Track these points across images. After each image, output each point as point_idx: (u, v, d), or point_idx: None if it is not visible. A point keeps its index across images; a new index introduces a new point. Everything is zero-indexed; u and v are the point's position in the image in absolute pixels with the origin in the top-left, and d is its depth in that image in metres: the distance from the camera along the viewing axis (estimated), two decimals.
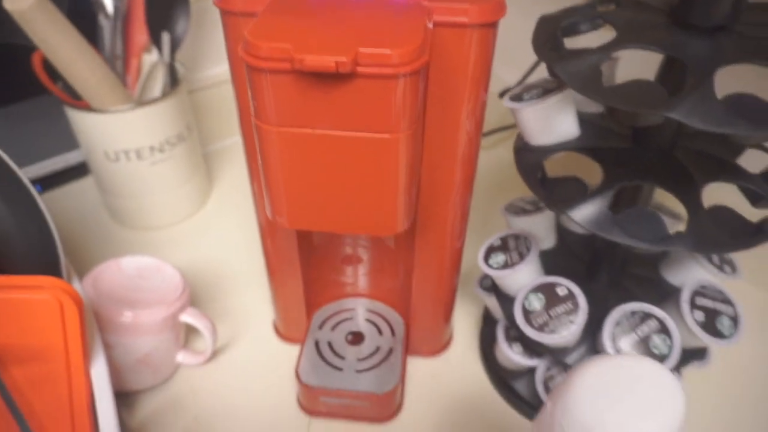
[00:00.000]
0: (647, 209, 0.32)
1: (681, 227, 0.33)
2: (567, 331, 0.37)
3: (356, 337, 0.49)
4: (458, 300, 0.56)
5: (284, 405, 0.47)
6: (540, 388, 0.43)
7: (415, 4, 0.30)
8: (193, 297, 0.56)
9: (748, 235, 0.32)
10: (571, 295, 0.38)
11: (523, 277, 0.41)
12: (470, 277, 0.58)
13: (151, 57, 0.61)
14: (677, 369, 0.39)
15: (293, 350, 0.51)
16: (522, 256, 0.41)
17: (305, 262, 0.46)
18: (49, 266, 0.40)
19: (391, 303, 0.51)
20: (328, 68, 0.24)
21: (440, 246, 0.43)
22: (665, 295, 0.41)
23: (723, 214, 0.33)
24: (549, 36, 0.32)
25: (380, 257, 0.49)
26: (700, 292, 0.38)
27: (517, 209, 0.46)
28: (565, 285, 0.39)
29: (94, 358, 0.39)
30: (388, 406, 0.45)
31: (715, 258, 0.41)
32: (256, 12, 0.30)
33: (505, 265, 0.41)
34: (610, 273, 0.43)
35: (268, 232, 0.44)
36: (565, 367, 0.43)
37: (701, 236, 0.30)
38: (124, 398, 0.48)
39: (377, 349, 0.47)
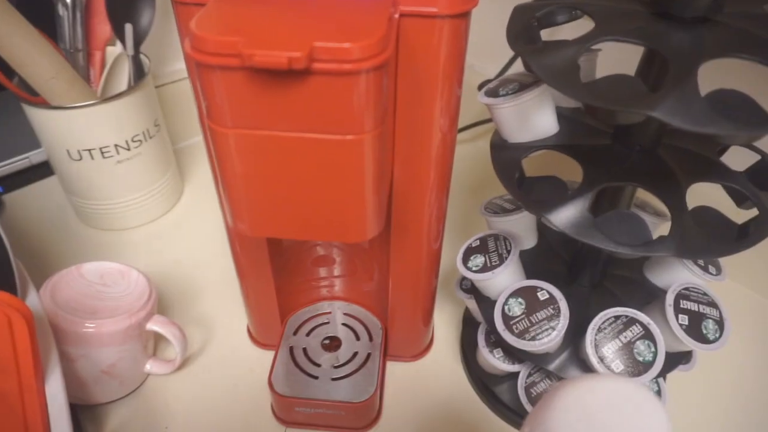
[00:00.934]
0: (629, 212, 0.31)
1: (665, 226, 0.31)
2: (548, 338, 0.35)
3: (333, 342, 0.47)
4: (438, 302, 0.54)
5: (259, 414, 0.45)
6: (522, 394, 0.42)
7: None
8: (164, 301, 0.54)
9: (733, 239, 0.30)
10: (552, 300, 0.37)
11: (503, 281, 0.39)
12: (450, 278, 0.57)
13: (114, 50, 0.58)
14: (663, 375, 0.38)
15: (268, 356, 0.49)
16: (502, 259, 0.39)
17: (276, 265, 0.44)
18: (1, 279, 0.38)
19: (369, 306, 0.49)
20: (280, 65, 0.22)
21: (417, 248, 0.41)
22: (649, 297, 0.39)
23: (708, 215, 0.31)
24: (524, 27, 0.30)
25: (354, 259, 0.47)
26: (685, 294, 0.36)
27: (496, 208, 0.44)
28: (546, 289, 0.37)
29: (48, 374, 0.36)
30: (366, 414, 0.44)
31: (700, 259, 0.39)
32: (207, 1, 0.28)
33: (485, 268, 0.39)
34: (593, 274, 0.41)
35: (236, 234, 0.42)
36: (548, 373, 0.42)
37: (685, 241, 0.29)
38: (90, 411, 0.45)
39: (354, 354, 0.45)
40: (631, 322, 0.36)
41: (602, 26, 0.27)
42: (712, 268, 0.40)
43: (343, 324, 0.48)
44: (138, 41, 0.57)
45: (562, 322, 0.36)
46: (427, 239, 0.40)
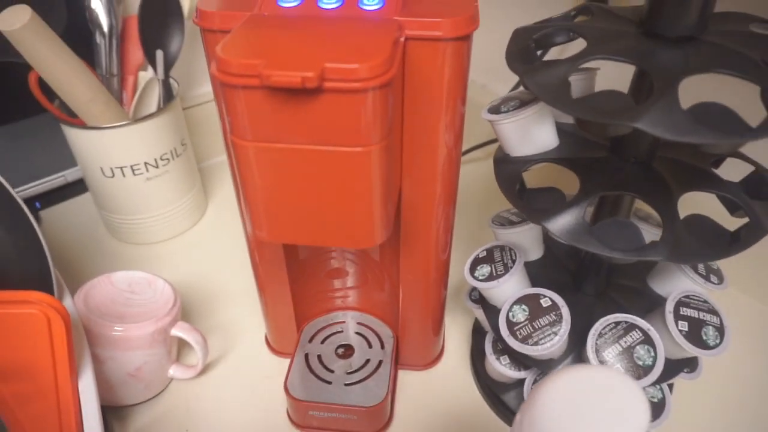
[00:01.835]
0: (624, 220, 0.32)
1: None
2: (550, 343, 0.37)
3: (346, 350, 0.49)
4: (450, 312, 0.56)
5: (275, 418, 0.47)
6: None
7: (386, 20, 0.30)
8: (187, 311, 0.57)
9: (725, 243, 0.32)
10: (554, 306, 0.38)
11: (508, 289, 0.41)
12: (461, 289, 0.58)
13: (146, 74, 0.62)
14: (665, 380, 0.39)
15: (284, 363, 0.51)
16: (507, 268, 0.41)
17: (293, 276, 0.46)
18: (41, 283, 0.41)
19: (381, 316, 0.51)
20: (294, 84, 0.25)
21: (425, 259, 0.43)
22: (652, 306, 0.41)
23: (700, 222, 0.33)
24: (522, 48, 0.32)
25: (366, 270, 0.50)
26: (685, 302, 0.38)
27: (503, 221, 0.46)
28: (548, 296, 0.39)
29: (82, 373, 0.39)
30: (378, 419, 0.45)
31: (701, 268, 0.40)
32: (232, 29, 0.31)
33: (490, 277, 0.41)
34: (597, 283, 0.42)
35: (256, 246, 0.44)
36: None
37: (676, 245, 0.30)
38: (116, 412, 0.48)
39: (367, 362, 0.47)
40: (631, 327, 0.37)
41: (593, 46, 0.30)
42: (713, 277, 0.41)
43: (356, 332, 0.50)
44: (168, 66, 0.60)
45: (564, 327, 0.37)
46: (435, 250, 0.42)
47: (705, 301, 0.38)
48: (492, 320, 0.42)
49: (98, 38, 0.59)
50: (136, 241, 0.65)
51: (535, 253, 0.46)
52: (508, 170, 0.37)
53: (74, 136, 0.57)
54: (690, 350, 0.36)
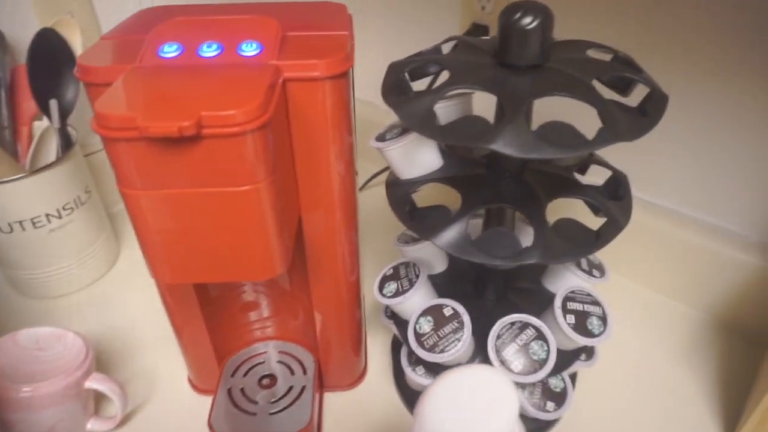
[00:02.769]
0: (503, 229, 0.36)
1: None
2: (455, 349, 0.40)
3: (271, 380, 0.49)
4: (370, 331, 0.58)
5: None
6: None
7: (263, 65, 0.32)
8: (103, 362, 0.55)
9: (590, 242, 0.36)
10: (456, 314, 0.41)
11: (414, 303, 0.43)
12: (379, 308, 0.60)
13: (41, 124, 0.61)
14: (562, 370, 0.42)
15: (209, 401, 0.51)
16: (411, 283, 0.43)
17: (207, 314, 0.46)
18: None
19: (301, 342, 0.52)
20: (172, 133, 0.26)
21: (335, 282, 0.45)
22: (546, 304, 0.44)
23: (568, 225, 0.37)
24: (396, 81, 0.35)
25: (279, 300, 0.51)
26: (571, 297, 0.41)
27: (407, 238, 0.49)
28: (450, 305, 0.42)
29: None
30: None
31: (585, 264, 0.45)
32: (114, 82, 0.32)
33: (397, 293, 0.43)
34: (496, 289, 0.46)
35: (166, 289, 0.44)
36: None
37: (546, 248, 0.34)
38: None
39: (290, 389, 0.48)
40: (525, 326, 0.40)
41: (454, 77, 0.33)
42: (596, 272, 0.45)
43: (278, 361, 0.51)
44: (64, 114, 0.59)
45: (466, 333, 0.40)
46: (343, 272, 0.44)
47: (588, 294, 0.42)
48: (403, 333, 0.44)
49: None
50: (44, 296, 0.62)
51: (440, 265, 0.49)
52: (399, 192, 0.39)
53: None
54: (578, 340, 0.40)
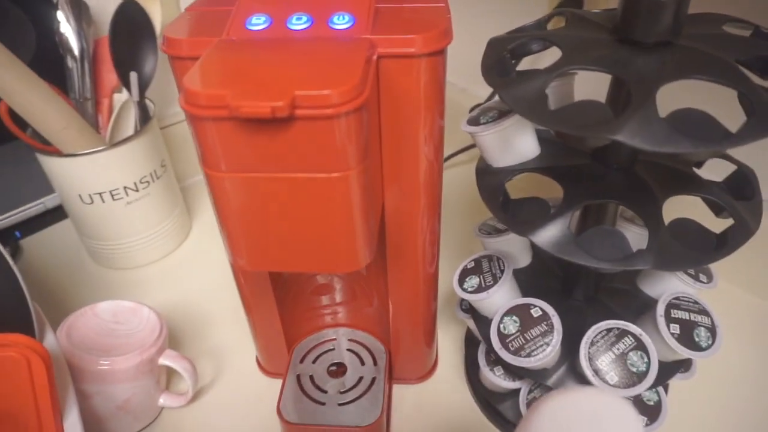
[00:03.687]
0: (610, 228, 0.32)
1: None
2: (543, 354, 0.37)
3: (339, 369, 0.48)
4: (442, 322, 0.55)
5: None
6: (524, 411, 0.42)
7: (357, 39, 0.30)
8: (175, 336, 0.56)
9: (711, 247, 0.31)
10: (545, 316, 0.38)
11: (498, 300, 0.40)
12: (452, 298, 0.58)
13: (121, 96, 0.61)
14: (660, 384, 0.38)
15: (277, 384, 0.50)
16: (495, 279, 0.40)
17: (279, 295, 0.45)
18: (20, 322, 0.40)
19: (372, 331, 0.50)
20: (264, 114, 0.24)
21: (413, 272, 0.42)
22: (643, 308, 0.40)
23: (686, 227, 0.33)
24: (497, 60, 0.32)
25: (353, 286, 0.49)
26: (675, 304, 0.37)
27: (490, 229, 0.45)
28: (539, 306, 0.38)
29: (66, 413, 0.38)
30: None
31: None
32: (201, 55, 0.30)
33: (479, 288, 0.41)
34: (586, 288, 0.42)
35: (239, 268, 0.43)
36: (548, 389, 0.42)
37: (662, 253, 0.30)
38: None
39: (360, 379, 0.47)
40: (623, 333, 0.37)
41: (568, 56, 0.29)
42: (702, 276, 0.40)
43: (348, 350, 0.49)
44: (143, 87, 0.59)
45: (556, 338, 0.37)
46: (422, 263, 0.42)
47: (695, 302, 0.38)
48: (483, 331, 0.42)
49: (70, 62, 0.57)
50: (119, 266, 0.64)
51: (524, 260, 0.46)
52: (491, 181, 0.36)
53: (49, 164, 0.55)
54: (683, 353, 0.36)
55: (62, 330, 0.45)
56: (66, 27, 0.56)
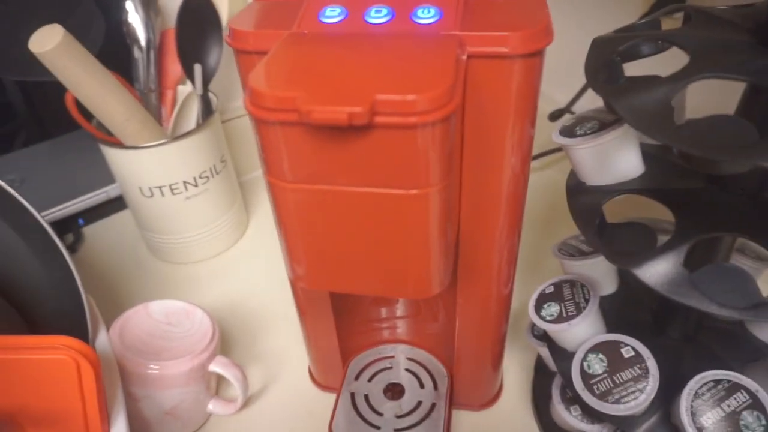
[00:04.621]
0: (732, 265, 0.27)
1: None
2: (635, 402, 0.32)
3: (396, 389, 0.45)
4: (508, 346, 0.51)
5: None
6: None
7: (444, 35, 0.26)
8: (226, 338, 0.54)
9: None
10: (638, 358, 0.33)
11: (580, 333, 0.36)
12: (520, 317, 0.53)
13: (185, 88, 0.60)
14: None
15: (328, 399, 0.48)
16: (579, 308, 0.36)
17: (337, 304, 0.42)
18: (74, 321, 0.39)
19: (433, 351, 0.47)
20: (340, 121, 0.21)
21: (486, 293, 0.38)
22: (755, 354, 0.35)
23: None
24: (604, 63, 0.27)
25: (418, 301, 0.45)
26: None
27: (572, 250, 0.41)
28: (631, 345, 0.34)
29: (114, 418, 0.37)
30: None
31: None
32: (269, 50, 0.27)
33: (560, 318, 0.36)
34: (685, 325, 0.37)
35: (298, 285, 0.40)
36: None
37: None
38: None
39: (418, 404, 0.43)
40: (735, 387, 0.31)
41: (699, 61, 0.24)
42: None
43: (407, 370, 0.46)
44: (206, 80, 0.58)
45: (652, 385, 0.32)
46: (497, 283, 0.38)
47: None
48: (561, 366, 0.37)
49: (136, 53, 0.57)
50: (176, 261, 0.63)
51: (609, 287, 0.41)
52: (585, 202, 0.31)
53: (112, 155, 0.55)
54: None
55: (115, 329, 0.44)
56: (134, 17, 0.55)
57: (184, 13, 0.54)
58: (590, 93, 0.62)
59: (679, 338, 0.37)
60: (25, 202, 0.38)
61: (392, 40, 0.26)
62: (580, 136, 0.31)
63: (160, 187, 0.56)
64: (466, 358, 0.43)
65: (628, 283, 0.41)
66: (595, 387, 0.33)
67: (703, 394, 0.31)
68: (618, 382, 0.33)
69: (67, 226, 0.67)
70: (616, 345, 0.34)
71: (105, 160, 0.57)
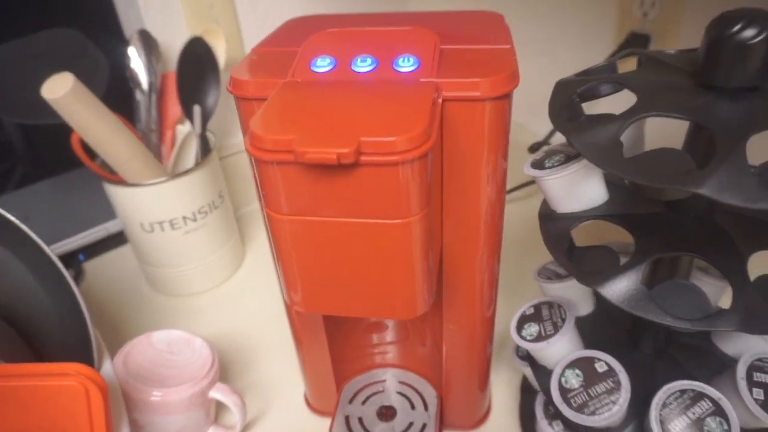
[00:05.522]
0: (687, 282, 0.30)
1: (730, 294, 0.30)
2: (609, 413, 0.34)
3: (388, 412, 0.47)
4: (496, 367, 0.53)
5: None
6: None
7: (422, 82, 0.29)
8: (225, 367, 0.56)
9: None
10: (611, 372, 0.36)
11: (558, 350, 0.38)
12: (507, 340, 0.56)
13: (184, 128, 0.63)
14: None
15: (324, 424, 0.49)
16: (556, 327, 0.38)
17: (331, 331, 0.45)
18: (81, 350, 0.41)
19: (423, 373, 0.49)
20: (330, 161, 0.24)
21: (469, 315, 0.41)
22: (719, 367, 0.37)
23: None
24: (565, 103, 0.30)
25: (406, 325, 0.48)
26: (758, 366, 0.34)
27: (550, 274, 0.43)
28: (604, 360, 0.36)
29: None
30: None
31: None
32: (267, 96, 0.30)
33: (539, 337, 0.39)
34: (656, 341, 0.39)
35: (294, 309, 0.43)
36: None
37: (750, 315, 0.27)
38: None
39: (410, 425, 0.45)
40: (700, 396, 0.34)
41: (645, 101, 0.28)
42: None
43: (398, 392, 0.48)
44: (205, 120, 0.61)
45: (624, 396, 0.34)
46: (479, 306, 0.40)
47: None
48: (543, 383, 0.40)
49: (138, 95, 0.60)
50: (175, 293, 0.65)
51: (586, 307, 0.43)
52: (555, 228, 0.34)
53: (115, 192, 0.57)
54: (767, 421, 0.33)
55: (119, 357, 0.46)
56: (137, 62, 0.59)
57: (184, 57, 0.58)
58: None
59: (651, 353, 0.40)
60: (35, 237, 0.40)
61: (376, 86, 0.29)
62: (548, 168, 0.34)
63: (160, 223, 0.58)
64: (454, 380, 0.45)
65: (603, 303, 0.44)
66: (572, 400, 0.35)
67: (670, 404, 0.34)
68: (593, 395, 0.35)
69: (68, 261, 0.69)
70: (591, 361, 0.37)
71: (105, 198, 0.60)
